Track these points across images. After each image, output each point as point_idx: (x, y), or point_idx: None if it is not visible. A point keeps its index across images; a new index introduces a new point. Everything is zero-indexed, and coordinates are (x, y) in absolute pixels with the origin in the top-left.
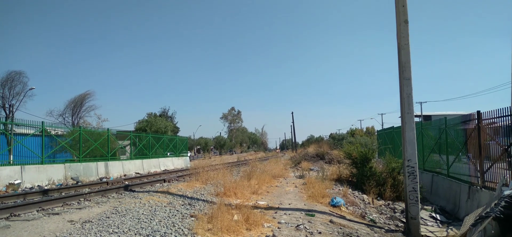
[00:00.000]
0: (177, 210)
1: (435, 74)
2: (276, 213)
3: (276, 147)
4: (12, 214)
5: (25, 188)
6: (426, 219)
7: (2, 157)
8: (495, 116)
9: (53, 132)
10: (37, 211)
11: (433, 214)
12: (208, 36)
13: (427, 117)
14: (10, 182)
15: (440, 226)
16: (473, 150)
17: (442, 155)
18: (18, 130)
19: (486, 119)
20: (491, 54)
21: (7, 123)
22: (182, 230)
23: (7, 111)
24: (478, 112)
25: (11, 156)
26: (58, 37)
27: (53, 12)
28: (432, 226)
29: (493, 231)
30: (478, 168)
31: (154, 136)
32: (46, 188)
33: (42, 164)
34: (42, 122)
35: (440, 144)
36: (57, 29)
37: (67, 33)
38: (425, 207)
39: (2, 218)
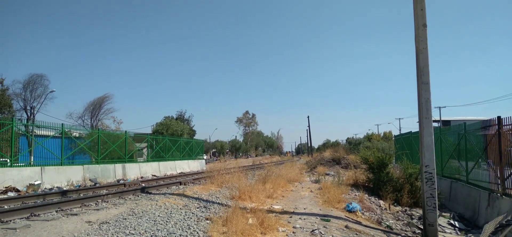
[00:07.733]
0: (192, 213)
1: (454, 79)
2: (291, 217)
3: (288, 150)
4: (32, 214)
5: (45, 188)
6: (444, 226)
7: (23, 158)
8: None
9: (72, 134)
10: (56, 211)
11: (452, 221)
12: (226, 39)
13: (446, 123)
14: (30, 182)
15: (459, 233)
16: (493, 156)
17: (461, 161)
18: (38, 132)
19: (507, 125)
20: None
21: (28, 124)
22: (197, 232)
23: (29, 113)
24: (499, 117)
25: (32, 157)
26: (78, 41)
27: (73, 16)
28: (450, 233)
29: None
30: (499, 175)
31: (171, 138)
32: (65, 189)
33: (61, 165)
34: (62, 124)
35: (459, 149)
36: (77, 32)
37: (87, 37)
38: (443, 214)
39: (22, 218)
